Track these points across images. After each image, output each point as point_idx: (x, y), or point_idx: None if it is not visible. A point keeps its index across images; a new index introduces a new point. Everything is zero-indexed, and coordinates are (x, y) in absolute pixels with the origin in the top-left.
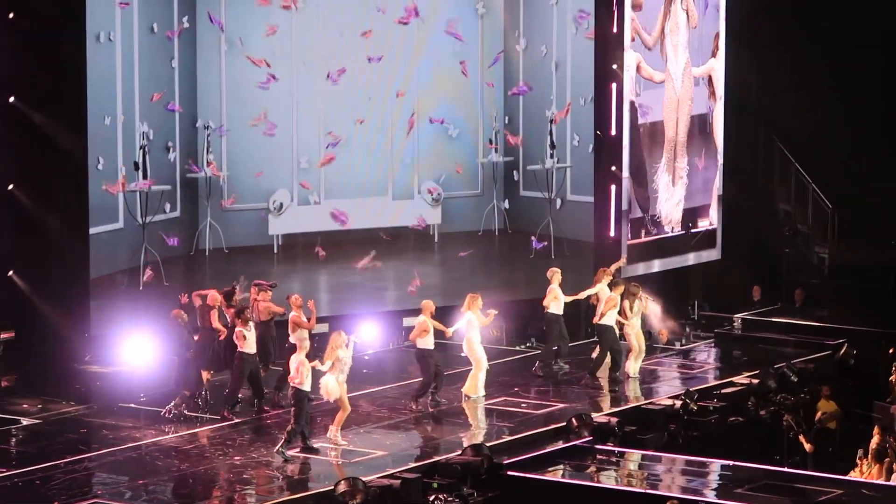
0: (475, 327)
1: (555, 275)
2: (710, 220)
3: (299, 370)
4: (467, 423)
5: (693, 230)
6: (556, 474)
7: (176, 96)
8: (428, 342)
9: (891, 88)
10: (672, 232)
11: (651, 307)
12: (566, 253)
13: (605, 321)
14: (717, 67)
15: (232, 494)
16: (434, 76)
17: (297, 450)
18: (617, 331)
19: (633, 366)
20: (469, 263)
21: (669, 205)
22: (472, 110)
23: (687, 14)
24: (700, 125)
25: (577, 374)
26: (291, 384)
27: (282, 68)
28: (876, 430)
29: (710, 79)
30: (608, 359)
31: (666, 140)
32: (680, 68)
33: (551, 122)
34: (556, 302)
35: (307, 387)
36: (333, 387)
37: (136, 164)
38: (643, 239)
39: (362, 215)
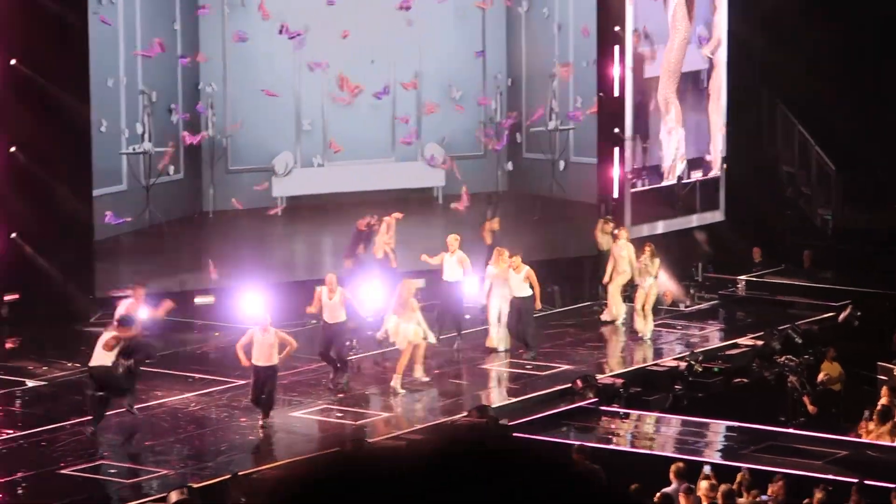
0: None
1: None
2: (704, 172)
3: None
4: (472, 384)
5: (684, 181)
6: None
7: (178, 58)
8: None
9: None
10: (666, 181)
11: (654, 270)
12: (569, 214)
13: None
14: (716, 23)
15: (237, 456)
16: (437, 39)
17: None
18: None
19: (643, 326)
20: (472, 225)
21: (668, 155)
22: (476, 72)
23: None
24: (694, 80)
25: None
26: None
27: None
28: (884, 391)
29: (709, 35)
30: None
31: (660, 91)
32: (677, 20)
33: (552, 77)
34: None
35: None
36: (409, 331)
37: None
38: (639, 189)
39: (366, 178)
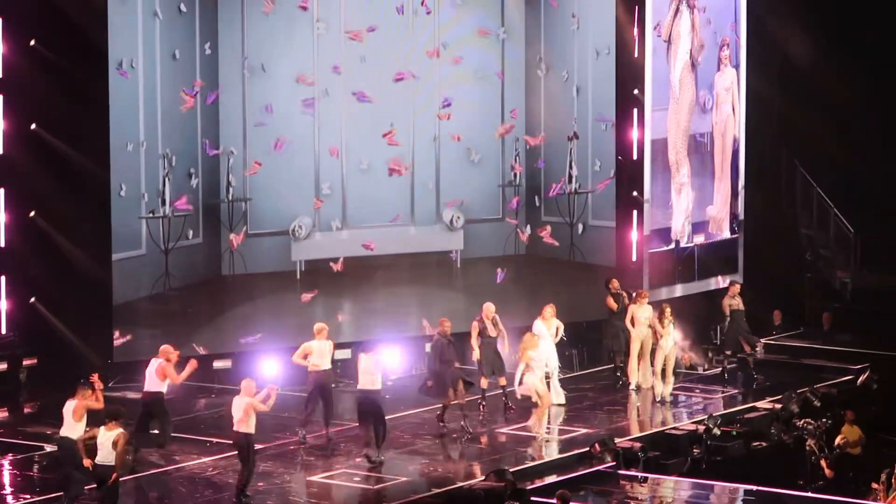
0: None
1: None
2: (707, 236)
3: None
4: (489, 448)
5: (681, 246)
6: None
7: (198, 122)
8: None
9: None
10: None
11: (673, 332)
12: (589, 278)
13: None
14: (719, 82)
15: None
16: (456, 101)
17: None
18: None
19: (661, 388)
20: (491, 289)
21: (678, 214)
22: (494, 135)
23: (692, 24)
24: (697, 144)
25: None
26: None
27: (304, 92)
28: None
29: (712, 100)
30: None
31: (670, 151)
32: (684, 82)
33: (570, 139)
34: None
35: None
36: (534, 384)
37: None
38: (656, 250)
39: (384, 242)
